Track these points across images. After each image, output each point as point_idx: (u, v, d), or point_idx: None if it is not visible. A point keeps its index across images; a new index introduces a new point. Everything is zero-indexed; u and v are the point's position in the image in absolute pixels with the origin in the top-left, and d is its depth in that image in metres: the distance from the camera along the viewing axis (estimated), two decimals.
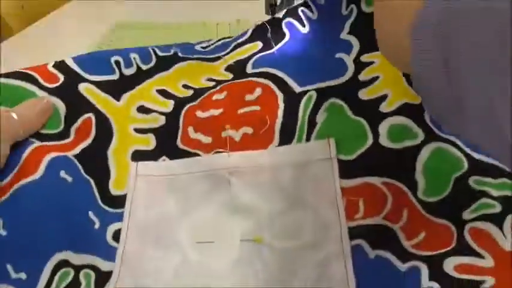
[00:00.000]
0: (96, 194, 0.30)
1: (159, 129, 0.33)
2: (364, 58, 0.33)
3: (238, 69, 0.36)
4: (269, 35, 0.37)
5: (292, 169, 0.30)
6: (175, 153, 0.32)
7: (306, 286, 0.26)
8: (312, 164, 0.29)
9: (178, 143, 0.32)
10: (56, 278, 0.26)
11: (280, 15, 0.38)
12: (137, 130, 0.33)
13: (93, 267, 0.27)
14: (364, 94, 0.31)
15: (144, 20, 0.82)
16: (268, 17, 0.42)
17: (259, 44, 0.38)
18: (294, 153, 0.30)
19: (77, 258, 0.26)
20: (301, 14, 0.37)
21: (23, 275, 0.25)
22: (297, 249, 0.28)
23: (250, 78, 0.35)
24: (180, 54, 0.38)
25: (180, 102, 0.35)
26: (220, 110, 0.33)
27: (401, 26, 0.20)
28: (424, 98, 0.21)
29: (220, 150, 0.31)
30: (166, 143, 0.33)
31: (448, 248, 0.26)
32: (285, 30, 0.37)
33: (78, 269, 0.26)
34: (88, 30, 0.78)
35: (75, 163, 0.30)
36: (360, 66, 0.33)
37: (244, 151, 0.31)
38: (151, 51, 0.37)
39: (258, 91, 0.34)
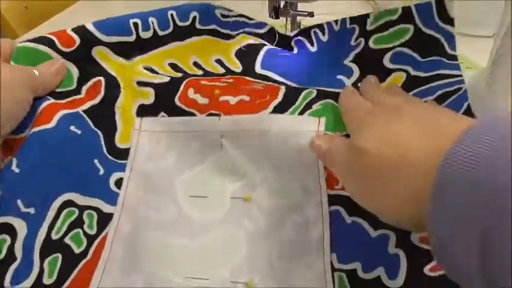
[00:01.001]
0: (103, 144, 0.32)
1: (159, 84, 0.35)
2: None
3: (247, 61, 0.37)
4: (274, 45, 0.40)
5: (280, 137, 0.31)
6: (172, 110, 0.34)
7: (285, 244, 0.29)
8: (300, 135, 0.31)
9: (176, 100, 0.34)
10: (62, 215, 0.28)
11: (292, 34, 0.41)
12: (139, 83, 0.35)
13: (96, 209, 0.29)
14: None
15: None
16: (272, 20, 0.42)
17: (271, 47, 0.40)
18: (283, 122, 0.32)
19: (82, 200, 0.29)
20: (312, 34, 0.39)
21: (31, 210, 0.27)
22: (281, 210, 0.30)
23: (257, 80, 0.37)
24: (197, 24, 0.39)
25: (189, 75, 0.37)
26: (224, 84, 0.35)
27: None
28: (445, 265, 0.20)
29: (214, 112, 0.33)
30: (165, 99, 0.34)
31: None
32: (294, 45, 0.40)
33: (82, 209, 0.29)
34: None
35: (85, 118, 0.33)
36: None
37: (235, 115, 0.33)
38: (169, 17, 0.38)
39: (263, 83, 0.36)
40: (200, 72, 0.38)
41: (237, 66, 0.38)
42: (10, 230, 0.26)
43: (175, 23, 0.38)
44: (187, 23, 0.39)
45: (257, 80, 0.36)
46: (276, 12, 0.51)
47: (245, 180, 0.31)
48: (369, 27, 0.36)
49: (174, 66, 0.38)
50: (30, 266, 0.26)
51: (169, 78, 0.35)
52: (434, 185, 0.17)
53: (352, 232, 0.29)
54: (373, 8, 0.92)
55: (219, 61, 0.38)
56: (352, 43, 0.37)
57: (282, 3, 0.51)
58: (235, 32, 0.40)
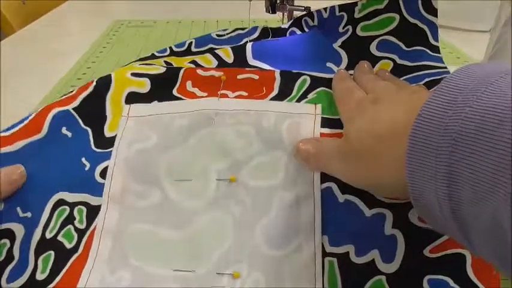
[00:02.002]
0: (91, 140, 0.32)
1: (156, 75, 0.34)
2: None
3: (239, 49, 0.38)
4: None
5: (276, 116, 0.31)
6: (169, 99, 0.33)
7: (274, 227, 0.28)
8: (296, 115, 0.31)
9: (174, 91, 0.34)
10: (55, 214, 0.29)
11: (286, 25, 0.41)
12: (134, 74, 0.34)
13: (85, 203, 0.29)
14: None
15: (144, 17, 0.82)
16: (268, 15, 0.43)
17: None
18: (281, 106, 0.32)
19: (71, 197, 0.29)
20: (303, 22, 0.40)
21: (28, 214, 0.28)
22: (269, 189, 0.29)
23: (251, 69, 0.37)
24: (193, 48, 0.40)
25: (182, 64, 0.37)
26: (221, 73, 0.34)
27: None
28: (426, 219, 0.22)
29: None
30: (162, 89, 0.34)
31: None
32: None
33: (72, 205, 0.29)
34: (89, 27, 0.79)
35: (75, 117, 0.32)
36: (347, 40, 0.37)
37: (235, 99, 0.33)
38: (167, 48, 0.40)
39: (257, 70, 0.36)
40: (194, 67, 0.38)
41: (228, 55, 0.38)
42: (10, 234, 0.28)
43: (172, 49, 0.40)
44: (183, 49, 0.41)
45: (251, 68, 0.37)
46: (272, 7, 0.51)
47: (232, 159, 0.30)
48: (356, 15, 0.37)
49: (169, 64, 0.38)
50: (26, 264, 0.27)
51: (165, 69, 0.35)
52: (409, 141, 0.19)
53: (345, 212, 0.27)
54: None
55: (213, 53, 0.39)
56: (341, 30, 0.38)
57: None
58: (231, 46, 0.41)
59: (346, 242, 0.26)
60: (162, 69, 0.34)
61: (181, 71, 0.34)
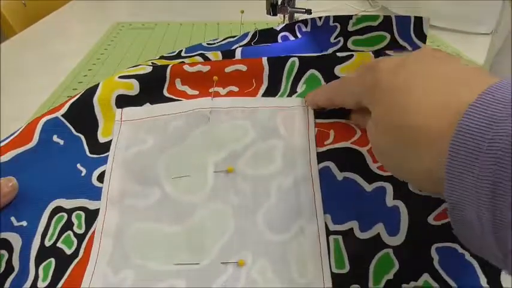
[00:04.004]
0: (85, 147, 0.32)
1: (143, 75, 0.34)
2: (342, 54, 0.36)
3: (228, 53, 0.38)
4: (252, 43, 0.41)
5: (270, 110, 0.32)
6: (160, 100, 0.33)
7: (275, 212, 0.28)
8: (289, 107, 0.32)
9: (165, 91, 0.34)
10: (53, 222, 0.29)
11: (278, 28, 0.41)
12: (120, 77, 0.34)
13: (83, 208, 0.29)
14: (339, 71, 0.34)
15: (145, 20, 0.82)
16: (269, 17, 0.43)
17: None
18: (274, 101, 0.32)
19: (68, 203, 0.29)
20: (296, 28, 0.40)
21: (24, 223, 0.28)
22: (267, 176, 0.29)
23: (235, 59, 0.37)
24: (183, 53, 0.40)
25: (169, 64, 0.37)
26: (208, 67, 0.34)
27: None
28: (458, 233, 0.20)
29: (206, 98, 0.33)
30: (152, 90, 0.34)
31: None
32: (280, 41, 0.41)
33: (70, 212, 0.29)
34: (89, 29, 0.79)
35: (65, 124, 0.32)
36: (338, 51, 0.37)
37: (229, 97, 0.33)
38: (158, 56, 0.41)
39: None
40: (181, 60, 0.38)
41: (217, 56, 0.38)
42: (6, 245, 0.27)
43: (162, 56, 0.41)
44: (174, 54, 0.41)
45: (237, 59, 0.37)
46: (273, 9, 0.51)
47: (227, 150, 0.30)
48: (350, 28, 0.37)
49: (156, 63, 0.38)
50: (26, 274, 0.27)
51: (151, 68, 0.35)
52: (449, 155, 0.17)
53: (345, 189, 0.27)
54: (372, 6, 0.93)
55: (202, 55, 0.39)
56: (332, 40, 0.38)
57: (280, 0, 0.51)
58: (222, 51, 0.41)
59: (349, 218, 0.26)
60: (149, 69, 0.34)
61: (168, 69, 0.34)
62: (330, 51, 0.38)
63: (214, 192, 0.29)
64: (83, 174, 0.30)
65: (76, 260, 0.27)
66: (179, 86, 0.33)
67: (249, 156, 0.30)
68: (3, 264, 0.26)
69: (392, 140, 0.21)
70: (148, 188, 0.30)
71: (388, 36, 0.36)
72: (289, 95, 0.33)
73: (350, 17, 0.37)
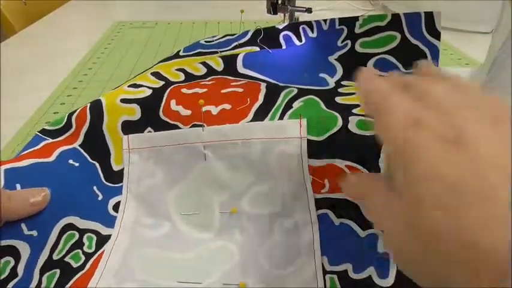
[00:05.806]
0: (101, 173, 0.33)
1: (143, 99, 0.35)
2: (345, 83, 0.36)
3: (229, 59, 0.38)
4: (258, 40, 0.40)
5: (262, 145, 0.32)
6: (158, 124, 0.34)
7: (276, 249, 0.29)
8: (282, 142, 0.31)
9: (161, 113, 0.34)
10: (63, 238, 0.29)
11: (280, 26, 0.41)
12: (123, 100, 0.35)
13: (96, 232, 0.30)
14: (340, 99, 0.34)
15: (145, 18, 0.82)
16: (269, 16, 0.43)
17: (256, 49, 0.40)
18: (265, 130, 0.32)
19: (81, 223, 0.30)
20: (301, 30, 0.40)
21: (34, 233, 0.28)
22: (269, 216, 0.31)
23: (237, 78, 0.37)
24: (181, 53, 0.41)
25: (170, 83, 0.37)
26: (205, 90, 0.35)
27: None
28: None
29: (198, 123, 0.33)
30: (150, 114, 0.34)
31: None
32: (282, 41, 0.40)
33: (82, 232, 0.30)
34: (90, 28, 0.79)
35: (82, 153, 0.33)
36: (340, 86, 0.36)
37: (217, 125, 0.33)
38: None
39: (244, 80, 0.36)
40: (182, 75, 0.38)
41: (218, 64, 0.38)
42: (14, 252, 0.27)
43: (160, 60, 0.42)
44: (172, 54, 0.42)
45: (237, 78, 0.37)
46: (274, 8, 0.51)
47: (230, 191, 0.32)
48: (357, 30, 0.37)
49: (156, 74, 0.38)
50: (29, 280, 0.27)
51: (151, 90, 0.35)
52: None
53: (341, 234, 0.29)
54: (372, 5, 0.92)
55: (202, 62, 0.39)
56: (339, 44, 0.38)
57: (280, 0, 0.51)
58: (220, 50, 0.41)
59: (344, 261, 0.28)
60: (148, 92, 0.35)
61: (167, 92, 0.34)
62: (336, 55, 0.38)
63: (220, 231, 0.31)
64: (99, 198, 0.31)
65: (81, 272, 0.28)
66: (173, 106, 0.34)
67: (251, 197, 0.31)
68: (8, 271, 0.26)
69: (430, 251, 0.16)
70: (160, 221, 0.32)
71: (399, 35, 0.35)
72: (284, 111, 0.32)
73: (356, 18, 0.36)
